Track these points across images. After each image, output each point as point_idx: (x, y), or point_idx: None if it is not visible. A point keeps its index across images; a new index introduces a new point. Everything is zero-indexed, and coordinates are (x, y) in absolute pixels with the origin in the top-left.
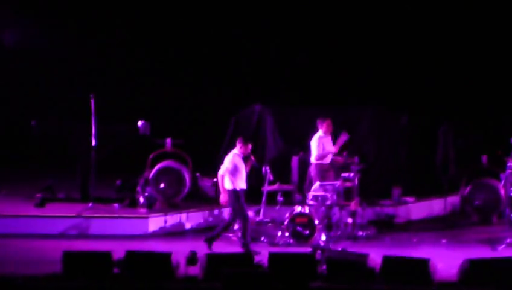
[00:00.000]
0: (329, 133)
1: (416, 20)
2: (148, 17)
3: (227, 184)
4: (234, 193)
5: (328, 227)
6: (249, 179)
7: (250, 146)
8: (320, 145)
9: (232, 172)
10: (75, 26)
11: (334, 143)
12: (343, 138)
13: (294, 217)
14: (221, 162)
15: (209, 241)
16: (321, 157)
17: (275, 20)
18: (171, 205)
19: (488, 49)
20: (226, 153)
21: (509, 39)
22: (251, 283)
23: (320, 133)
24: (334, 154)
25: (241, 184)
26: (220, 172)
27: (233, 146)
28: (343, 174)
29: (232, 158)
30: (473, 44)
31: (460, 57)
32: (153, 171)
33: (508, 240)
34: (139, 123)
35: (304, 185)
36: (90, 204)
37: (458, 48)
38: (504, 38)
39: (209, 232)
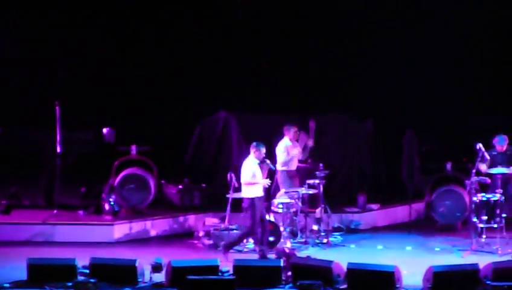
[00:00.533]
0: (295, 140)
1: (378, 26)
2: (112, 24)
3: (245, 192)
4: (252, 201)
5: (293, 234)
6: (214, 185)
7: (264, 150)
8: (285, 152)
9: (250, 180)
10: (40, 32)
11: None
12: (311, 125)
13: None
14: (187, 169)
15: (227, 249)
16: (286, 163)
17: (239, 27)
18: (136, 212)
19: (453, 55)
20: (191, 160)
21: (471, 45)
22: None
23: (286, 140)
24: (299, 161)
25: (259, 192)
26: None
27: (199, 153)
28: (308, 181)
29: (249, 166)
30: (435, 50)
31: (424, 63)
32: (118, 179)
33: (473, 247)
34: (104, 130)
35: (269, 192)
36: (55, 211)
37: (421, 55)
38: (467, 44)
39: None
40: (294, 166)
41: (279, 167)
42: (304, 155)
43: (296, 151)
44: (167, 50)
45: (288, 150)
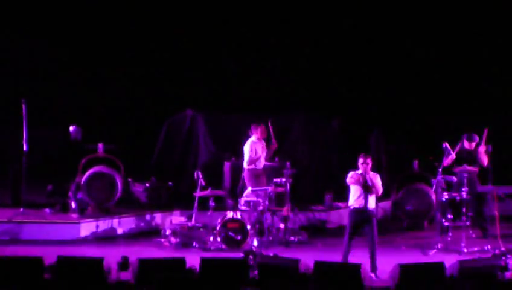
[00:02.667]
0: (262, 139)
1: (346, 24)
2: (78, 21)
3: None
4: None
5: (260, 232)
6: (181, 184)
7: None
8: (252, 150)
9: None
10: (5, 29)
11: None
12: (270, 126)
13: (226, 223)
14: (154, 167)
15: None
16: (251, 161)
17: (206, 26)
18: (102, 210)
19: (419, 53)
20: (157, 158)
21: (439, 44)
22: (183, 288)
23: (253, 138)
24: (266, 160)
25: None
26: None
27: (165, 151)
28: (275, 180)
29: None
30: (403, 49)
31: (391, 62)
32: (85, 177)
33: (439, 245)
34: (71, 128)
35: (235, 191)
36: (22, 209)
37: (388, 53)
38: (433, 43)
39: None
40: (261, 164)
41: (245, 165)
42: (268, 155)
43: (264, 152)
44: (134, 48)
45: (255, 148)
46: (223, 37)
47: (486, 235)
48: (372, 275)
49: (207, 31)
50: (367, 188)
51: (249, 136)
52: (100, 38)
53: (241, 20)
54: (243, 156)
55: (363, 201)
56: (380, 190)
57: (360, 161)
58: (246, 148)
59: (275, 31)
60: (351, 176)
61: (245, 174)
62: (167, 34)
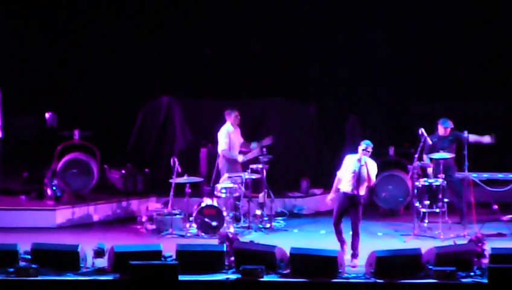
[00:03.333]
0: (236, 125)
1: (320, 10)
2: (51, 6)
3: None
4: None
5: (237, 219)
6: (157, 170)
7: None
8: (227, 137)
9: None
10: None
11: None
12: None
13: (202, 209)
14: (130, 153)
15: None
16: (228, 147)
17: (181, 12)
18: (78, 197)
19: (395, 41)
20: (134, 144)
21: (413, 30)
22: (159, 275)
23: (228, 124)
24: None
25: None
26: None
27: (142, 138)
28: (251, 166)
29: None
30: (378, 37)
31: (367, 49)
32: (61, 163)
33: (415, 232)
34: (47, 115)
35: (212, 177)
36: None
37: (364, 41)
38: (408, 28)
39: None
40: (236, 151)
41: (220, 151)
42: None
43: (239, 138)
44: (110, 34)
45: (229, 134)
46: (199, 23)
47: (462, 222)
48: (355, 260)
49: (182, 17)
50: (360, 177)
51: (225, 122)
52: (75, 24)
53: (217, 6)
54: (217, 143)
55: (354, 187)
56: (373, 180)
57: (362, 147)
58: (221, 135)
59: (251, 17)
60: (348, 160)
61: (220, 161)
62: (142, 19)
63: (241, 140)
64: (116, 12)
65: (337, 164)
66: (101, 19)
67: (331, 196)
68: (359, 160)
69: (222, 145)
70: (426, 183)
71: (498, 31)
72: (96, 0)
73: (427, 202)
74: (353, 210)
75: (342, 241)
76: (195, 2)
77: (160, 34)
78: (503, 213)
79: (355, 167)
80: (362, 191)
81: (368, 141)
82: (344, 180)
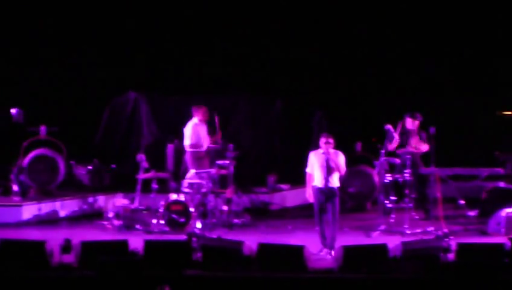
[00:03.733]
0: (204, 121)
1: (288, 5)
2: (18, 2)
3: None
4: None
5: (204, 214)
6: (124, 166)
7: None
8: (195, 132)
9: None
10: None
11: (210, 131)
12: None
13: (169, 205)
14: (97, 149)
15: None
16: (194, 146)
17: (149, 7)
18: (45, 193)
19: (362, 34)
20: (100, 140)
21: (381, 25)
22: (126, 270)
23: (195, 120)
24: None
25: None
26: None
27: (108, 133)
28: (218, 162)
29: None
30: (345, 31)
31: (333, 42)
32: (27, 159)
33: (382, 227)
34: (13, 110)
35: (179, 173)
36: None
37: (331, 34)
38: (376, 24)
39: None
40: (204, 147)
41: (187, 147)
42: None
43: (205, 135)
44: (76, 29)
45: (197, 130)
46: (166, 18)
47: (429, 217)
48: (332, 252)
49: (150, 11)
50: (329, 169)
51: (192, 118)
52: (42, 18)
53: (184, 1)
54: (184, 138)
55: (326, 180)
56: (343, 168)
57: (322, 140)
58: (188, 131)
59: (218, 12)
60: (312, 155)
61: (188, 157)
62: (110, 14)
63: (208, 136)
64: (82, 6)
65: (304, 160)
66: (67, 13)
67: (308, 191)
68: (324, 153)
69: (188, 141)
70: (393, 179)
71: (464, 26)
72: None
73: (393, 197)
74: (330, 203)
75: (324, 238)
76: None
77: (128, 29)
78: (470, 208)
79: (322, 160)
80: (336, 183)
81: (326, 134)
82: (315, 176)
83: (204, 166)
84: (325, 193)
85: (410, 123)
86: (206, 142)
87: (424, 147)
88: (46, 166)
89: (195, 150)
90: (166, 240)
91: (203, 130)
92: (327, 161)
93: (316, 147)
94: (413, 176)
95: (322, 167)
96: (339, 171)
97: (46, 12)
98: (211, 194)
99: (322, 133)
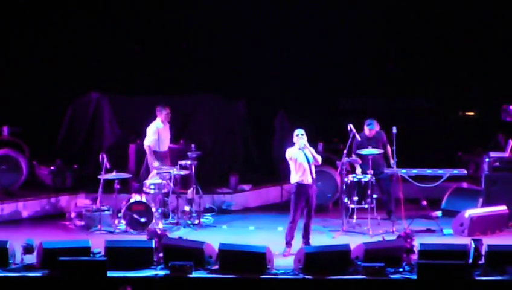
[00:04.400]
0: (167, 122)
1: (249, 7)
2: None
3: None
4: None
5: (165, 215)
6: (86, 167)
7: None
8: (156, 133)
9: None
10: None
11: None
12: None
13: (131, 205)
14: (59, 150)
15: None
16: (156, 143)
17: (110, 9)
18: (7, 194)
19: (325, 36)
20: (63, 141)
21: (344, 27)
22: (88, 271)
23: (158, 121)
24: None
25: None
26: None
27: (71, 134)
28: (180, 162)
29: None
30: (308, 31)
31: (296, 44)
32: None
33: (344, 227)
34: None
35: (140, 173)
36: None
37: (293, 35)
38: (340, 26)
39: None
40: (165, 147)
41: (147, 148)
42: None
43: (168, 135)
44: (37, 30)
45: (158, 131)
46: (128, 19)
47: (391, 217)
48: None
49: (111, 13)
50: (310, 164)
51: (155, 118)
52: (4, 18)
53: (147, 3)
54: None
55: (310, 175)
56: (319, 158)
57: (296, 134)
58: (150, 131)
59: (180, 13)
60: (288, 153)
61: (148, 157)
62: (73, 15)
63: (169, 136)
64: (46, 8)
65: (266, 160)
66: (29, 15)
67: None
68: (300, 148)
69: (148, 141)
70: (355, 179)
71: (427, 27)
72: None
73: (355, 198)
74: (310, 197)
75: (292, 237)
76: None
77: (90, 30)
78: (432, 209)
79: (302, 156)
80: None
81: (299, 129)
82: (296, 173)
83: (166, 166)
84: (309, 189)
85: (367, 131)
86: (167, 143)
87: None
88: (9, 166)
89: (156, 150)
90: (128, 240)
91: (165, 131)
92: (306, 156)
93: (278, 146)
94: (375, 177)
95: (305, 163)
96: (316, 161)
97: (8, 13)
98: (172, 194)
99: (295, 128)
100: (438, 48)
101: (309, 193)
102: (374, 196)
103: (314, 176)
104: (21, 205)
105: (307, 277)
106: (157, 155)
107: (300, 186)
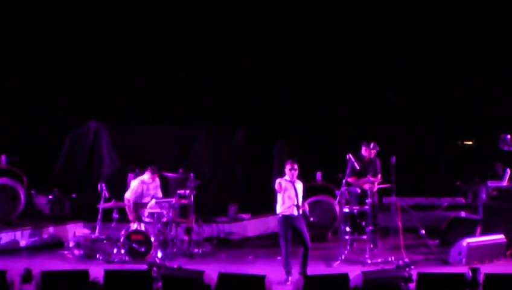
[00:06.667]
0: (156, 178)
1: (247, 34)
2: None
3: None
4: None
5: (164, 244)
6: (85, 196)
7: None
8: (140, 187)
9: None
10: None
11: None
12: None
13: (130, 234)
14: (57, 179)
15: None
16: (130, 197)
17: (110, 36)
18: (5, 223)
19: (321, 64)
20: (61, 169)
21: (339, 54)
22: None
23: (146, 176)
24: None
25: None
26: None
27: (69, 163)
28: (179, 191)
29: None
30: (305, 60)
31: (293, 73)
32: None
33: (343, 256)
34: None
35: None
36: None
37: (288, 64)
38: (333, 53)
39: None
40: (148, 199)
41: (126, 196)
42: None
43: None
44: (37, 58)
45: (142, 185)
46: (128, 47)
47: (376, 246)
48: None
49: (111, 40)
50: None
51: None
52: (3, 48)
53: (146, 30)
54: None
55: (293, 207)
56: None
57: (288, 167)
58: (133, 184)
59: (179, 42)
60: (278, 183)
61: (126, 208)
62: (71, 43)
63: (159, 194)
64: (43, 34)
65: (265, 189)
66: (29, 42)
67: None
68: (291, 181)
69: (128, 194)
70: (354, 209)
71: (425, 57)
72: (24, 20)
73: (348, 229)
74: (298, 228)
75: (289, 266)
76: (123, 27)
77: (89, 59)
78: (431, 238)
79: (292, 188)
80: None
81: (291, 160)
82: (284, 205)
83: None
84: (293, 220)
85: (368, 151)
86: (152, 194)
87: (378, 178)
88: (7, 195)
89: (137, 202)
90: (127, 270)
91: (151, 187)
92: (295, 188)
93: (278, 175)
94: (373, 205)
95: (293, 196)
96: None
97: (7, 40)
98: (171, 224)
99: (288, 160)
100: (436, 75)
101: (296, 225)
102: (369, 226)
103: (301, 211)
104: (19, 234)
105: None
106: (139, 206)
107: (285, 218)
